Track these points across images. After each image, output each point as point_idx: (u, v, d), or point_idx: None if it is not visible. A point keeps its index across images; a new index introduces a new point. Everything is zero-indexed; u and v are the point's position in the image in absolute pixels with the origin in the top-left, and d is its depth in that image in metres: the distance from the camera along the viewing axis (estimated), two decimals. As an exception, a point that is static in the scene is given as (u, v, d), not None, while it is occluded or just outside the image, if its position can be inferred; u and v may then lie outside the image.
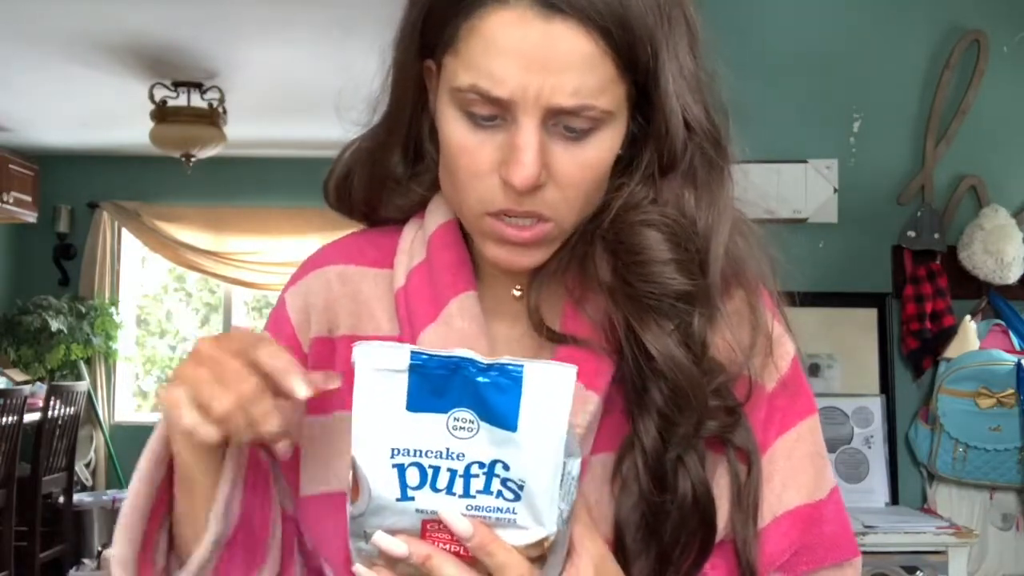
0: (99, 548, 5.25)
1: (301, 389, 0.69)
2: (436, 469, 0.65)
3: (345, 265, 0.89)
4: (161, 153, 5.07)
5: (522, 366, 0.64)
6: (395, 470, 0.65)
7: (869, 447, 2.52)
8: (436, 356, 0.64)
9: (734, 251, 0.82)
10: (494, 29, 0.70)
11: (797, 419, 0.85)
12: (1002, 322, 2.56)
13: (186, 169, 5.07)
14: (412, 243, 0.87)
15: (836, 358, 2.61)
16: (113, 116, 5.38)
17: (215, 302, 6.91)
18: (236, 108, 4.93)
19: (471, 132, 0.74)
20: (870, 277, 2.63)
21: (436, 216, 0.86)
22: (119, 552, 0.77)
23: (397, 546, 0.66)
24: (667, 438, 0.77)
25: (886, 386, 2.58)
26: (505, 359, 0.64)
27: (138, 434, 6.30)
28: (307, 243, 5.89)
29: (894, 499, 2.53)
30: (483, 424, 0.64)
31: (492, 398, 0.64)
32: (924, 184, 2.62)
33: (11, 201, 5.71)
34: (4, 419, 4.50)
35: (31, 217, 6.01)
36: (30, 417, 4.80)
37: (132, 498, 0.78)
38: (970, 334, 2.51)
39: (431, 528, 0.66)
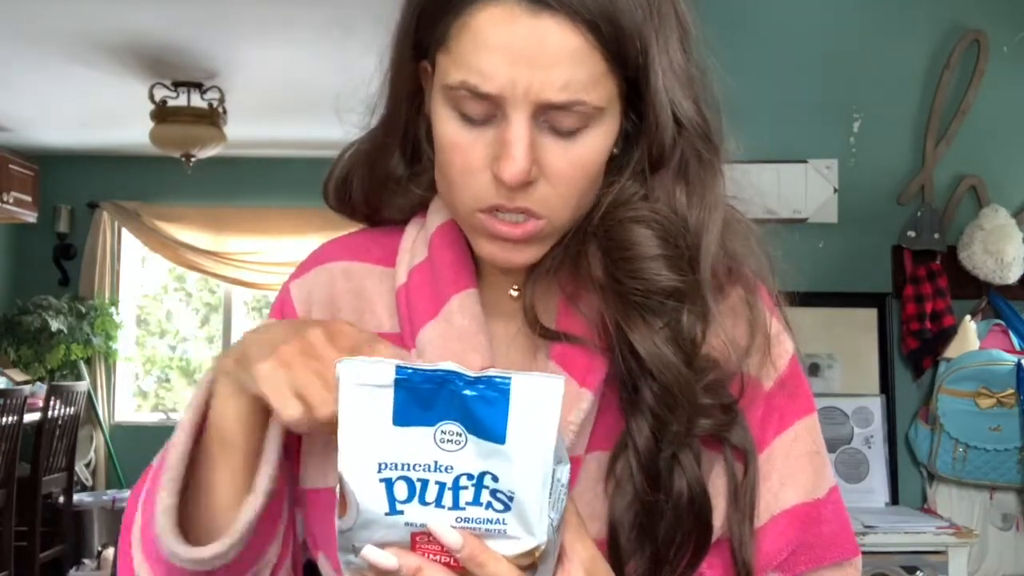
0: (99, 548, 5.25)
1: None
2: (424, 482, 0.64)
3: (350, 262, 0.89)
4: (161, 153, 5.07)
5: (509, 378, 0.64)
6: (383, 484, 0.65)
7: (869, 447, 2.52)
8: (421, 370, 0.64)
9: (731, 249, 0.82)
10: (483, 26, 0.71)
11: (795, 418, 0.85)
12: (1002, 322, 2.56)
13: (186, 169, 5.07)
14: (414, 242, 0.87)
15: (836, 358, 2.61)
16: (113, 116, 5.39)
17: (215, 302, 6.91)
18: (236, 108, 4.93)
19: (463, 130, 0.74)
20: (870, 277, 2.63)
21: (438, 216, 0.86)
22: (164, 500, 0.76)
23: (387, 559, 0.66)
24: (660, 437, 0.77)
25: (886, 386, 2.58)
26: (492, 371, 0.64)
27: (138, 434, 6.32)
28: (307, 243, 5.87)
29: (894, 499, 2.53)
30: (471, 437, 0.64)
31: (479, 411, 0.64)
32: (924, 184, 2.62)
33: (11, 201, 5.71)
34: (4, 419, 4.50)
35: (31, 217, 6.01)
36: (30, 417, 4.80)
37: (177, 448, 0.78)
38: (970, 334, 2.51)
39: (421, 540, 0.66)
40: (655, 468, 0.77)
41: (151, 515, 0.77)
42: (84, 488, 5.92)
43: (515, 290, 0.85)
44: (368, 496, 0.65)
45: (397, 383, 0.64)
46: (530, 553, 0.66)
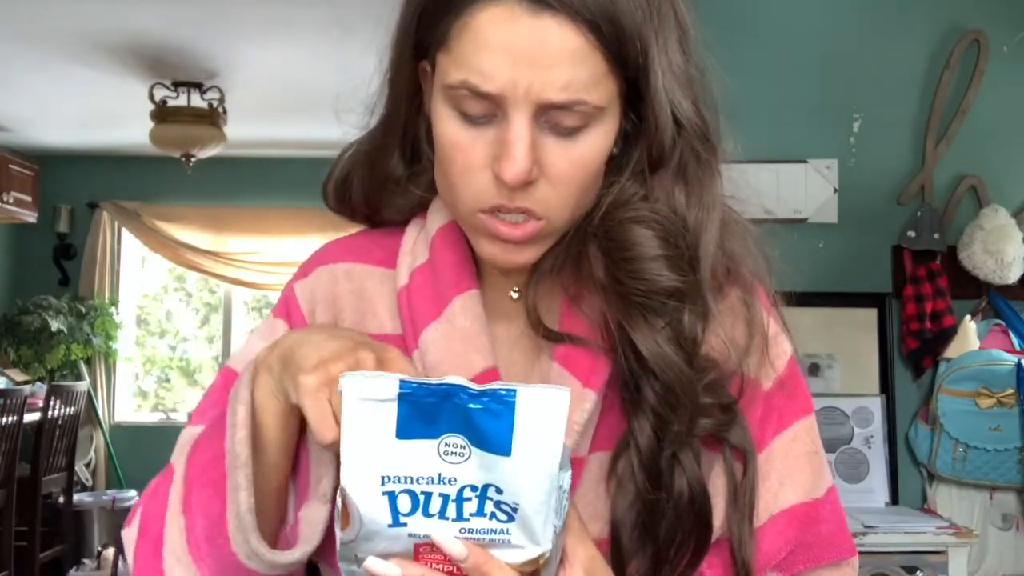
0: (99, 548, 5.25)
1: None
2: (428, 495, 0.65)
3: (352, 263, 0.89)
4: (161, 153, 5.07)
5: (515, 391, 0.64)
6: (385, 497, 0.65)
7: (869, 447, 2.51)
8: (425, 385, 0.64)
9: (729, 249, 0.82)
10: (484, 26, 0.71)
11: (794, 418, 0.85)
12: (1002, 322, 2.56)
13: (186, 169, 5.07)
14: (415, 244, 0.87)
15: (836, 358, 2.61)
16: (113, 116, 5.38)
17: (215, 302, 6.90)
18: (236, 108, 4.93)
19: (464, 129, 0.74)
20: (870, 277, 2.63)
21: (438, 217, 0.86)
22: (246, 500, 0.75)
23: (390, 570, 0.66)
24: (662, 436, 0.77)
25: (886, 386, 2.58)
26: (496, 384, 0.64)
27: (138, 434, 6.32)
28: (307, 243, 5.89)
29: (894, 499, 2.53)
30: (475, 449, 0.64)
31: (484, 424, 0.64)
32: (924, 184, 2.62)
33: (11, 201, 5.70)
34: (4, 419, 4.50)
35: (31, 217, 6.01)
36: (30, 417, 4.80)
37: (243, 445, 0.76)
38: (970, 334, 2.51)
39: (424, 551, 0.66)
40: (657, 467, 0.77)
41: (213, 514, 0.76)
42: (84, 488, 5.92)
43: (515, 291, 0.85)
44: (371, 509, 0.65)
45: (401, 397, 0.64)
46: (534, 561, 0.66)
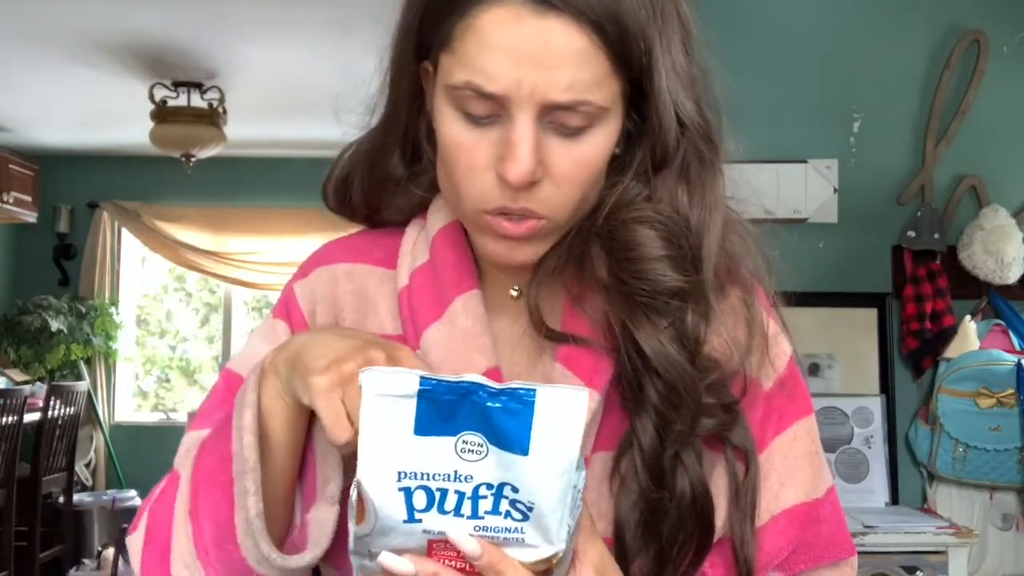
0: (99, 548, 5.25)
1: None
2: (444, 492, 0.65)
3: (352, 263, 0.89)
4: (161, 153, 5.07)
5: (534, 391, 0.64)
6: (401, 493, 0.65)
7: (869, 447, 2.51)
8: (445, 382, 0.65)
9: (729, 249, 0.82)
10: (488, 26, 0.71)
11: (794, 419, 0.86)
12: (1002, 322, 2.56)
13: (186, 169, 5.07)
14: (415, 244, 0.87)
15: (836, 358, 2.61)
16: (113, 116, 5.38)
17: (215, 302, 6.90)
18: (236, 108, 4.93)
19: (467, 129, 0.74)
20: (870, 277, 2.63)
21: (438, 217, 0.86)
22: (256, 505, 0.75)
23: (403, 565, 0.66)
24: (664, 436, 0.78)
25: (886, 386, 2.58)
26: (516, 383, 0.65)
27: (138, 434, 6.32)
28: (307, 243, 5.89)
29: (894, 499, 2.53)
30: (492, 447, 0.64)
31: (503, 423, 0.64)
32: (924, 184, 2.62)
33: (11, 201, 5.70)
34: (4, 419, 4.50)
35: (31, 217, 6.01)
36: (30, 417, 4.80)
37: (251, 450, 0.76)
38: (970, 334, 2.51)
39: (437, 547, 0.66)
40: (659, 467, 0.78)
41: (222, 519, 0.76)
42: (84, 488, 5.91)
43: (515, 290, 0.85)
44: (387, 504, 0.65)
45: (420, 394, 0.64)
46: (547, 560, 0.66)
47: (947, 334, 2.52)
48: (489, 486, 0.65)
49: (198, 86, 4.76)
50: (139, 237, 6.50)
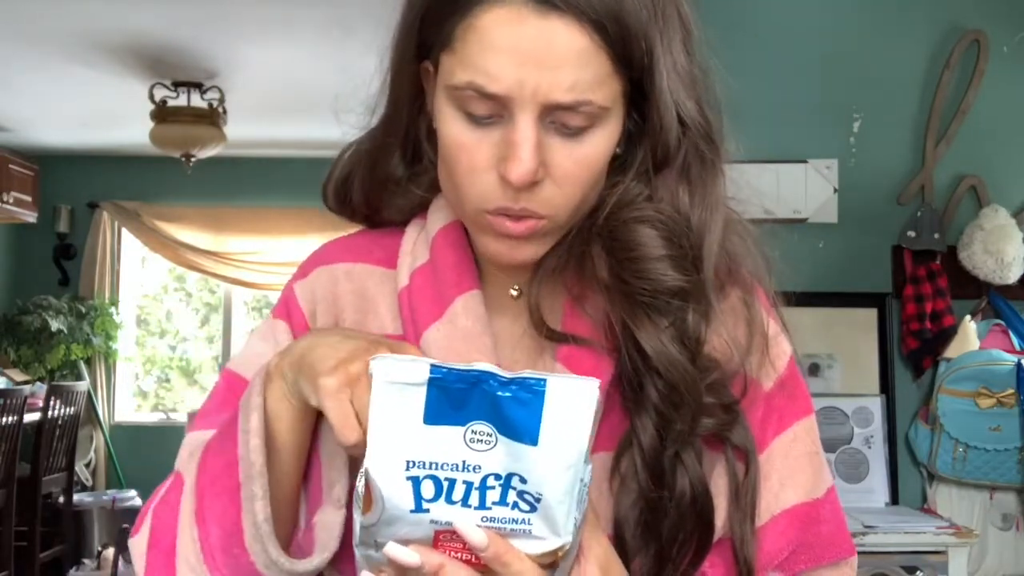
0: (99, 548, 5.24)
1: None
2: (452, 481, 0.64)
3: (352, 263, 0.89)
4: (161, 153, 5.07)
5: (544, 380, 0.64)
6: (410, 482, 0.65)
7: (869, 447, 2.51)
8: (455, 370, 0.64)
9: (730, 249, 0.82)
10: (490, 26, 0.71)
11: (794, 419, 0.86)
12: (1002, 322, 2.56)
13: (186, 169, 5.07)
14: (415, 244, 0.87)
15: (836, 358, 2.61)
16: (113, 116, 5.38)
17: (215, 302, 6.90)
18: (236, 108, 4.93)
19: (469, 130, 0.74)
20: (870, 277, 2.63)
21: (439, 217, 0.86)
22: (263, 510, 0.75)
23: (409, 556, 0.66)
24: (665, 435, 0.78)
25: (886, 386, 2.58)
26: (526, 373, 0.64)
27: (138, 434, 6.32)
28: (307, 243, 5.88)
29: (894, 499, 2.53)
30: (501, 438, 0.64)
31: (512, 412, 0.63)
32: (924, 184, 2.62)
33: (11, 201, 5.70)
34: (4, 419, 4.50)
35: (31, 217, 6.01)
36: (30, 417, 4.80)
37: (257, 454, 0.75)
38: (970, 334, 2.51)
39: (444, 538, 0.66)
40: (659, 466, 0.78)
41: (228, 524, 0.76)
42: (84, 488, 5.91)
43: (515, 290, 0.85)
44: (394, 493, 0.65)
45: (430, 382, 0.64)
46: (553, 552, 0.66)
47: (947, 334, 2.52)
48: (497, 476, 0.64)
49: (198, 86, 4.76)
50: (139, 237, 6.50)
